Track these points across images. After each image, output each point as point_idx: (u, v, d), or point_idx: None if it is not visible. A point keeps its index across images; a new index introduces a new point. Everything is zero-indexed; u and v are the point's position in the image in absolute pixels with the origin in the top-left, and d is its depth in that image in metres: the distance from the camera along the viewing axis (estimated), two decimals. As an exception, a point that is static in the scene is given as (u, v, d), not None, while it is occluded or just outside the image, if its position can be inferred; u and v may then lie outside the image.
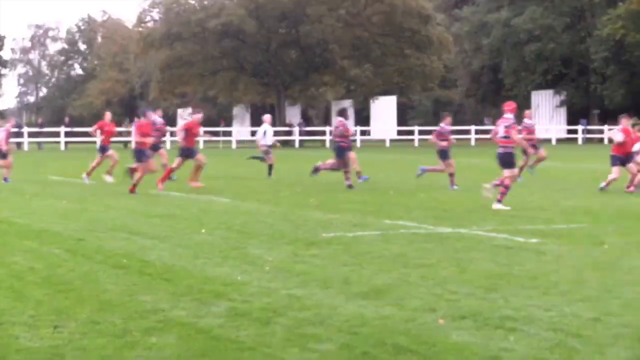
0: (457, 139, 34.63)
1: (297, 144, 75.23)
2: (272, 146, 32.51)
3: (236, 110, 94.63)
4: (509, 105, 21.02)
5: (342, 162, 26.32)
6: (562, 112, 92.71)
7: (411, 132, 79.77)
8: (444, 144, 26.45)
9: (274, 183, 28.34)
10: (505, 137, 20.40)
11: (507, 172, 20.42)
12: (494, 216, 18.18)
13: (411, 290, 10.25)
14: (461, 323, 8.61)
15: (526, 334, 8.22)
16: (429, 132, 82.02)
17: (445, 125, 26.87)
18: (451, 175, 26.10)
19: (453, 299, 9.70)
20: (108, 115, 30.68)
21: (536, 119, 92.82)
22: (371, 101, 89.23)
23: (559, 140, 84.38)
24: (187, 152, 25.84)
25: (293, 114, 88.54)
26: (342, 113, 27.40)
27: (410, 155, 50.80)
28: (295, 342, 7.99)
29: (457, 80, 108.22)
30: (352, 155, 26.94)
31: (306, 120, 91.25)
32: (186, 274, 11.42)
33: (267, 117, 33.27)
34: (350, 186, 25.89)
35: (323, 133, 76.79)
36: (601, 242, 14.21)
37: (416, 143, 76.78)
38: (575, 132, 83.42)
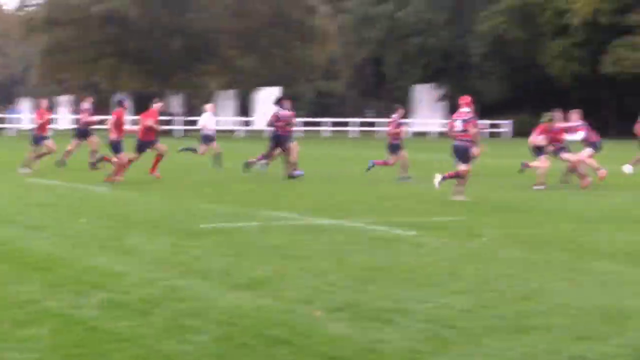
0: (338, 131, 34.76)
1: (179, 134, 74.70)
2: (213, 135, 32.37)
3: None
4: (465, 99, 21.32)
5: (275, 150, 26.81)
6: (443, 106, 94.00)
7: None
8: (396, 134, 26.72)
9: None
10: (463, 130, 20.73)
11: (462, 166, 20.77)
12: (374, 208, 18.36)
13: (289, 281, 10.30)
14: (338, 315, 8.69)
15: (402, 325, 8.34)
16: (312, 124, 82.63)
17: (397, 117, 26.97)
18: (403, 168, 26.42)
19: (330, 291, 9.78)
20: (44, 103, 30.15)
21: (417, 113, 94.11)
22: (256, 92, 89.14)
23: (440, 134, 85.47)
24: (144, 144, 25.36)
25: (176, 103, 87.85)
26: (279, 102, 27.67)
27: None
28: (173, 333, 7.97)
29: (339, 72, 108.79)
30: (294, 146, 27.27)
31: (190, 109, 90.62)
32: (63, 263, 11.27)
33: (209, 106, 33.42)
34: (293, 175, 26.10)
35: (206, 122, 76.34)
36: (478, 234, 14.47)
37: (301, 134, 76.92)
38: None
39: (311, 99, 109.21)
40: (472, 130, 20.71)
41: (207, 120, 32.41)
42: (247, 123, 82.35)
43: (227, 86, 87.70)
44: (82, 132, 30.50)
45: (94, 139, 30.10)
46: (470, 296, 9.64)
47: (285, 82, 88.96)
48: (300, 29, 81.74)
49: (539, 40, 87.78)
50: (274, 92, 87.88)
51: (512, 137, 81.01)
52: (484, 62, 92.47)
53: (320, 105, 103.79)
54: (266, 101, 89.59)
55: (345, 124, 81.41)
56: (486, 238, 14.09)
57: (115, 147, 24.63)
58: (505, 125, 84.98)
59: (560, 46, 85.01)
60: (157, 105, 25.94)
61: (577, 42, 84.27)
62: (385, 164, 26.87)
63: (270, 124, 27.11)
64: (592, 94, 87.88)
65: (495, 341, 7.85)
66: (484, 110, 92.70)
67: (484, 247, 13.16)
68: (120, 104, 25.87)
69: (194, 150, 32.08)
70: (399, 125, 27.03)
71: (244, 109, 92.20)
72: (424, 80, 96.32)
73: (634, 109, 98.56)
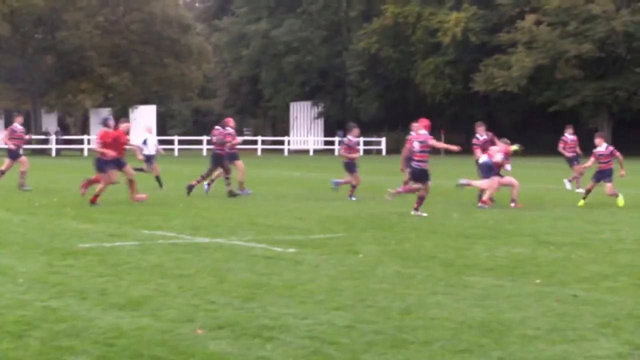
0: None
1: (53, 153, 73.49)
2: (155, 155, 31.80)
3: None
4: (424, 122, 22.12)
5: (223, 169, 26.68)
6: (320, 124, 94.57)
7: (171, 142, 79.43)
8: (353, 156, 26.30)
9: (29, 192, 27.53)
10: (421, 151, 21.43)
11: (421, 185, 21.47)
12: (253, 226, 18.32)
13: (169, 300, 10.18)
14: (219, 333, 8.63)
15: (283, 342, 8.32)
16: (189, 142, 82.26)
17: (352, 137, 26.72)
18: (353, 187, 26.07)
19: (211, 309, 9.70)
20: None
21: (294, 130, 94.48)
22: (130, 110, 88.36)
23: (316, 151, 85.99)
24: (117, 163, 24.27)
25: (50, 122, 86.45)
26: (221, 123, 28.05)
27: (171, 164, 50.47)
28: (49, 355, 7.79)
29: (216, 90, 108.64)
30: (240, 164, 27.59)
31: (63, 128, 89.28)
32: None
33: (148, 127, 33.15)
34: (231, 192, 26.11)
35: (81, 142, 75.39)
36: (356, 251, 14.55)
37: (176, 152, 76.48)
38: (332, 143, 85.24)
39: (188, 117, 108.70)
40: (434, 142, 21.86)
41: (141, 142, 31.80)
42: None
43: (101, 104, 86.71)
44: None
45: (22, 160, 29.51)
46: (350, 312, 9.67)
47: (161, 100, 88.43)
48: (173, 47, 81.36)
49: (411, 59, 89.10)
50: (150, 109, 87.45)
51: (386, 154, 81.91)
52: (360, 80, 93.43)
53: (198, 123, 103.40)
54: (142, 119, 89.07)
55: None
56: (363, 254, 14.18)
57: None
58: (380, 143, 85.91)
59: (432, 64, 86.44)
60: (124, 125, 25.32)
61: (448, 60, 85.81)
62: (347, 182, 26.51)
63: (214, 143, 27.26)
64: (465, 110, 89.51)
65: (375, 356, 7.88)
66: (360, 127, 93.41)
67: (363, 263, 13.23)
68: (105, 123, 24.85)
69: (141, 170, 31.20)
70: (356, 145, 26.78)
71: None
72: (301, 98, 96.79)
73: (505, 125, 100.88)
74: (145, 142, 31.84)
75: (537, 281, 11.80)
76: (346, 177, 26.66)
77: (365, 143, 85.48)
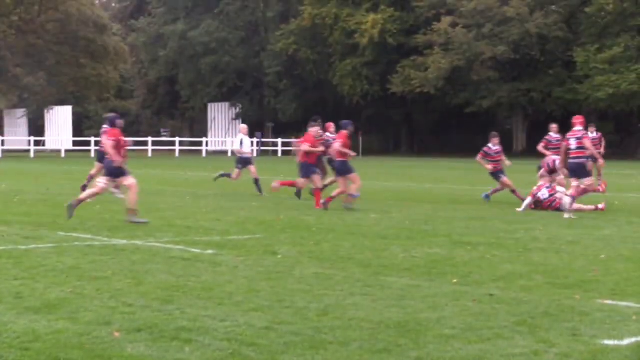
0: (134, 150, 34.43)
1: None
2: (250, 158, 29.66)
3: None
4: (579, 119, 22.76)
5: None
6: (238, 125, 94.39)
7: (87, 143, 78.64)
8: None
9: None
10: (578, 148, 22.34)
11: (587, 181, 22.37)
12: (170, 228, 18.22)
13: (86, 303, 10.09)
14: (137, 336, 8.56)
15: (201, 344, 8.29)
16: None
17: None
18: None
19: (128, 312, 9.63)
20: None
21: (212, 131, 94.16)
22: (46, 111, 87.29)
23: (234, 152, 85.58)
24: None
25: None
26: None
27: (87, 166, 49.91)
28: (-37, 361, 7.67)
29: (134, 91, 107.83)
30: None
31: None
32: None
33: (243, 127, 31.34)
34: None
35: (-6, 142, 74.39)
36: (274, 252, 14.56)
37: (92, 154, 75.72)
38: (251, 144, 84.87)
39: (103, 118, 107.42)
40: (587, 145, 22.44)
41: (243, 143, 29.65)
42: (37, 143, 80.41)
43: (16, 105, 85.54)
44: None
45: None
46: (268, 313, 9.68)
47: (77, 100, 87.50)
48: (89, 47, 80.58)
49: (329, 60, 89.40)
50: (66, 110, 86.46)
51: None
52: (278, 81, 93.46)
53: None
54: (59, 120, 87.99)
55: (144, 143, 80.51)
56: (281, 255, 14.19)
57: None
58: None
59: (350, 66, 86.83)
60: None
61: (366, 61, 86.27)
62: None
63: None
64: (382, 112, 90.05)
65: (294, 357, 7.90)
66: (279, 128, 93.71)
67: (281, 265, 13.24)
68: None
69: (228, 176, 29.74)
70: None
71: (36, 128, 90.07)
72: (219, 99, 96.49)
73: (423, 126, 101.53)
74: (241, 143, 29.64)
75: (454, 281, 11.93)
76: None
77: (284, 144, 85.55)
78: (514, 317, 9.62)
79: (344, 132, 23.78)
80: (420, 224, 19.72)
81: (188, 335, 8.60)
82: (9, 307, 9.86)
